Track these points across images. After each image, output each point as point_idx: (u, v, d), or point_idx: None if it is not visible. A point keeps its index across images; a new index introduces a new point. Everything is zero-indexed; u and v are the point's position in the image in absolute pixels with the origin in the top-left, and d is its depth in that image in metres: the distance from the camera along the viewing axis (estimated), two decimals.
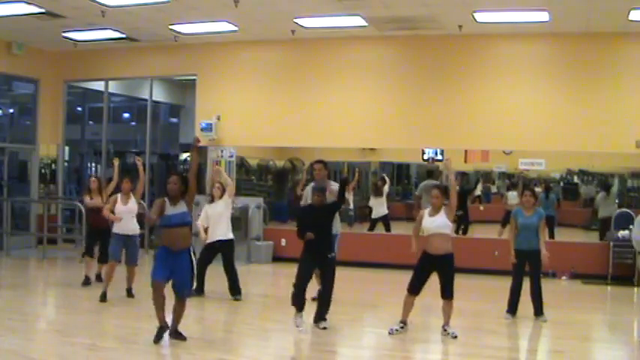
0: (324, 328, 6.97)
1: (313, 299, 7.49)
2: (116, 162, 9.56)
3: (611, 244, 10.52)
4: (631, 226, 10.63)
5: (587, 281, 10.28)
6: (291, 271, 11.53)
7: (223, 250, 8.73)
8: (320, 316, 7.07)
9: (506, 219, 11.83)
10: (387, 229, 12.46)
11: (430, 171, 12.37)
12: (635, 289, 10.18)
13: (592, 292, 10.00)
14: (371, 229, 12.55)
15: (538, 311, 7.69)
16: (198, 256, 8.54)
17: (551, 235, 11.01)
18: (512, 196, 12.06)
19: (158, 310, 6.36)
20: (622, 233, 10.58)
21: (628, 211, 10.95)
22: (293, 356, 6.71)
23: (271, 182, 14.24)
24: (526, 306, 7.87)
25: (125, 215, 8.55)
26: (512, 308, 7.77)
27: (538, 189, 11.20)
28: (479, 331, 6.98)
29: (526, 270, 7.84)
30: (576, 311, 7.70)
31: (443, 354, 6.68)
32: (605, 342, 7.51)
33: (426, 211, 6.86)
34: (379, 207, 12.56)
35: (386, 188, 12.76)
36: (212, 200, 8.81)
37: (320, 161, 8.37)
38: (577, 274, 10.64)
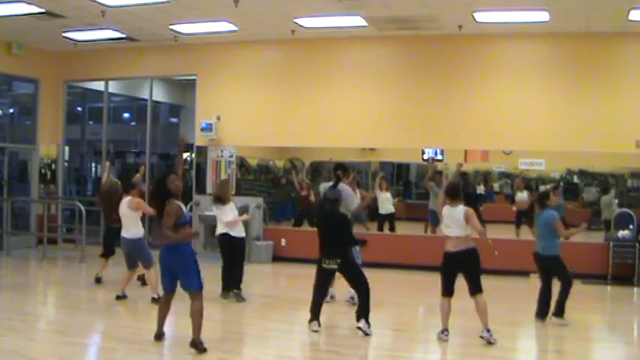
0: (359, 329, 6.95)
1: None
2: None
3: (611, 244, 10.52)
4: (631, 226, 10.66)
5: (587, 281, 10.27)
6: (290, 271, 11.67)
7: None
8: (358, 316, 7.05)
9: (519, 220, 11.85)
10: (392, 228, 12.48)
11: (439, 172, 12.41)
12: (635, 289, 10.19)
13: (592, 292, 10.00)
14: (380, 227, 12.49)
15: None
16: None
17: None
18: (522, 198, 11.97)
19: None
20: (622, 233, 10.59)
21: (628, 211, 10.95)
22: (293, 356, 6.70)
23: (275, 183, 14.21)
24: (526, 306, 7.89)
25: None
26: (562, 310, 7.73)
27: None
28: (479, 331, 6.97)
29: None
30: (576, 311, 7.69)
31: (443, 354, 6.68)
32: (605, 342, 7.51)
33: None
34: (386, 203, 12.55)
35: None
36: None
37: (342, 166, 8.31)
38: (577, 274, 10.61)
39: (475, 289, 6.68)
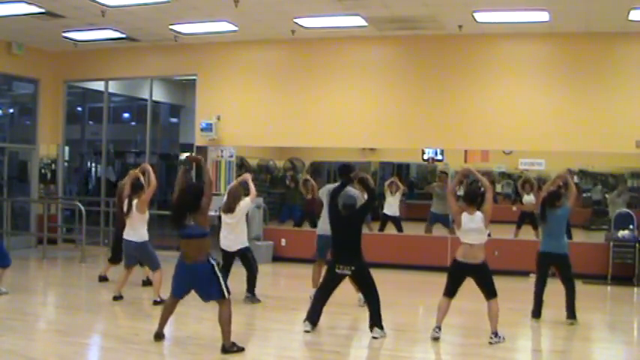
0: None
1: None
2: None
3: (611, 244, 10.52)
4: (631, 226, 10.66)
5: (587, 281, 10.27)
6: (290, 271, 11.67)
7: None
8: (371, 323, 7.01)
9: (522, 221, 11.83)
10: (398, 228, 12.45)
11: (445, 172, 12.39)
12: (635, 289, 10.18)
13: (592, 292, 9.99)
14: (382, 228, 12.46)
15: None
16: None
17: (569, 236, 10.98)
18: (529, 199, 11.92)
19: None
20: (622, 233, 10.58)
21: (628, 211, 10.95)
22: (293, 356, 6.70)
23: (283, 184, 14.20)
24: (526, 306, 7.89)
25: None
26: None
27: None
28: (479, 331, 6.97)
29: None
30: (576, 311, 7.69)
31: (443, 354, 6.68)
32: (605, 342, 7.51)
33: None
34: (392, 205, 12.49)
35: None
36: None
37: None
38: (577, 274, 10.60)
39: (490, 294, 6.73)
